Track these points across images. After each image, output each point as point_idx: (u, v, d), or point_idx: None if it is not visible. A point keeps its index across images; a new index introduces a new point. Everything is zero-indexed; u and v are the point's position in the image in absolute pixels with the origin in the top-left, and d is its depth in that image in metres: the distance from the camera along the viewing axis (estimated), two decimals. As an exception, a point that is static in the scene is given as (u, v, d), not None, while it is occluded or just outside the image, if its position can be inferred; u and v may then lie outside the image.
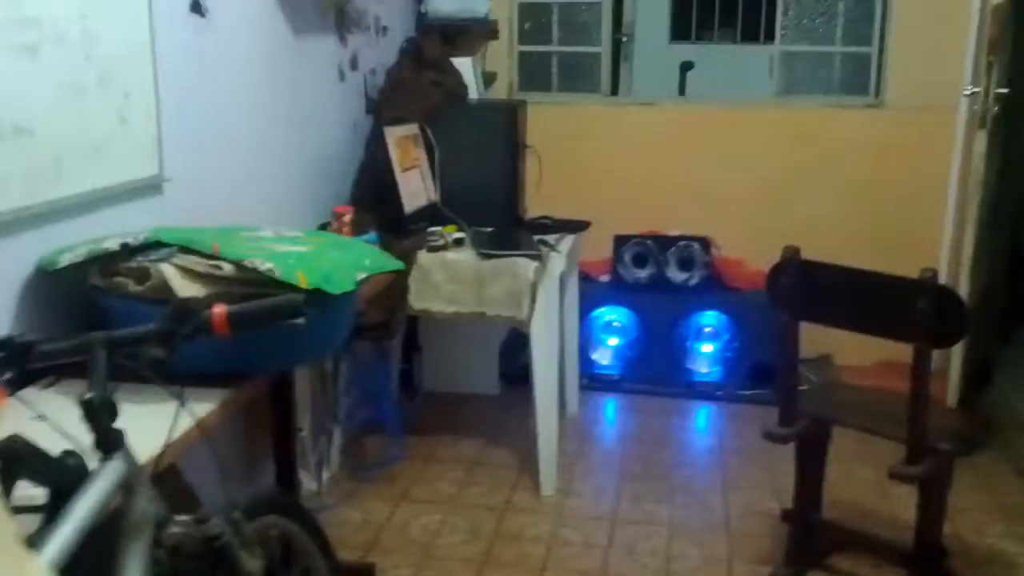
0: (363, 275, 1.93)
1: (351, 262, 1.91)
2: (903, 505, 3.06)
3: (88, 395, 1.25)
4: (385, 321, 3.04)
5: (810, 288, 2.40)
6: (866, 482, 3.27)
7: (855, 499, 3.16)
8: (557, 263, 3.23)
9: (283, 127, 2.93)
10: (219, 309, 1.29)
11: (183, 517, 1.41)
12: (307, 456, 2.99)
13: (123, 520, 1.30)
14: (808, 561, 2.75)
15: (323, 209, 3.13)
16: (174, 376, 1.31)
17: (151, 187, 2.19)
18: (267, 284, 1.66)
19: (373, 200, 3.19)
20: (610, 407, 4.10)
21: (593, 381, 4.21)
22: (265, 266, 1.68)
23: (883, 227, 4.25)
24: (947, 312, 2.19)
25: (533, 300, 2.99)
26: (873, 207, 4.30)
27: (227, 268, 1.69)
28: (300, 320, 1.31)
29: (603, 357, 4.31)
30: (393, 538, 2.91)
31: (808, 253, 2.45)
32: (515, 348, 4.27)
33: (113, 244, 1.74)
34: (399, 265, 2.28)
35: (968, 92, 3.62)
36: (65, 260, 1.74)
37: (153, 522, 1.34)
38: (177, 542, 1.39)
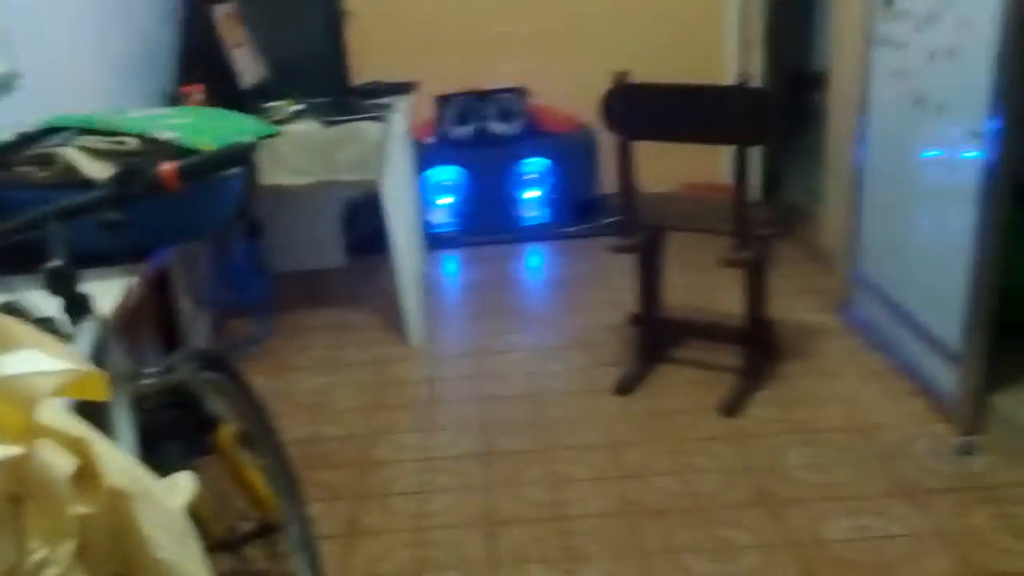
0: (251, 138, 2.03)
1: (236, 127, 2.01)
2: (724, 298, 3.51)
3: (52, 264, 1.35)
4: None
5: (641, 108, 2.68)
6: (690, 285, 3.71)
7: (685, 300, 3.58)
8: (400, 122, 3.38)
9: (103, 15, 2.89)
10: (168, 165, 1.39)
11: (150, 369, 1.53)
12: (186, 338, 3.07)
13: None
14: (657, 356, 3.15)
15: (156, 95, 3.13)
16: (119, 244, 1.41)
17: (3, 85, 2.17)
18: (172, 153, 1.75)
19: (205, 80, 3.19)
20: (453, 261, 4.35)
21: (432, 240, 4.43)
22: (166, 135, 1.76)
23: (674, 60, 4.59)
24: (762, 113, 2.52)
25: (381, 161, 3.14)
26: (664, 42, 4.63)
27: (131, 142, 1.76)
28: (247, 166, 1.43)
29: (438, 216, 4.53)
30: (282, 404, 3.07)
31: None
32: (355, 218, 4.42)
33: (8, 135, 1.76)
34: (277, 129, 2.37)
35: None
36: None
37: (130, 375, 1.47)
38: (148, 393, 1.51)
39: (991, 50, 2.37)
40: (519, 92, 4.41)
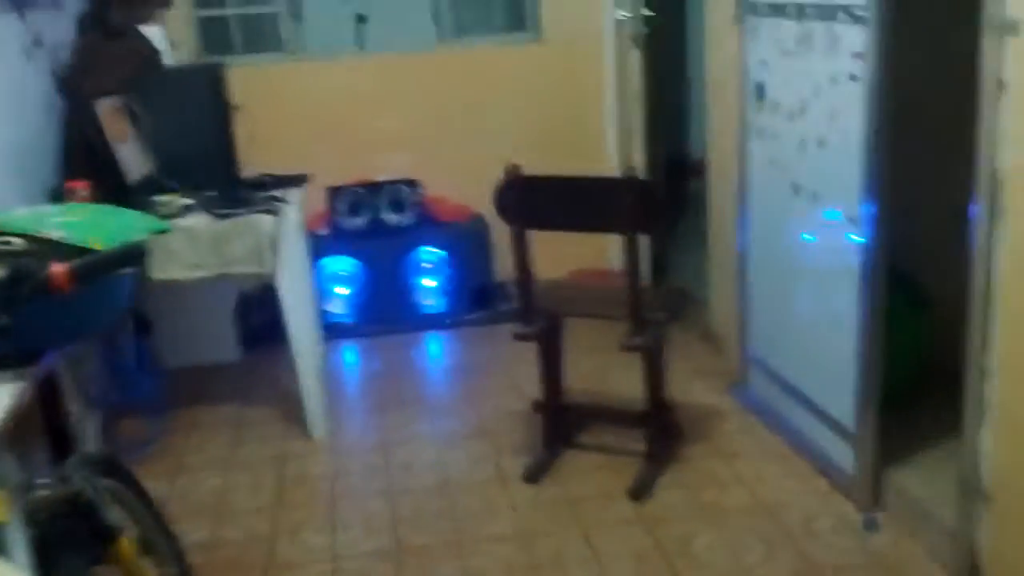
0: (143, 235, 1.97)
1: (128, 224, 1.95)
2: (623, 381, 3.55)
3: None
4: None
5: (533, 199, 2.73)
6: (590, 371, 3.74)
7: (586, 385, 3.61)
8: (293, 213, 3.35)
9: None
10: (59, 267, 1.34)
11: (43, 480, 1.45)
12: (76, 442, 2.91)
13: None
14: (563, 442, 3.15)
15: (40, 191, 3.03)
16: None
17: None
18: (62, 252, 1.68)
19: (90, 177, 3.11)
20: (352, 351, 4.29)
21: (329, 331, 4.35)
22: (57, 234, 1.70)
23: (559, 150, 4.69)
24: (648, 203, 2.61)
25: (275, 252, 3.10)
26: (549, 133, 4.74)
27: (17, 242, 1.68)
28: (142, 266, 1.38)
29: (335, 306, 4.47)
30: (180, 507, 2.93)
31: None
32: (249, 310, 4.32)
33: None
34: (167, 226, 2.32)
35: (621, 16, 4.19)
36: None
37: (23, 487, 1.38)
38: (42, 504, 1.43)
39: (859, 139, 2.52)
40: (411, 183, 4.45)
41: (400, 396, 3.72)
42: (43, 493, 1.43)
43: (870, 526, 2.60)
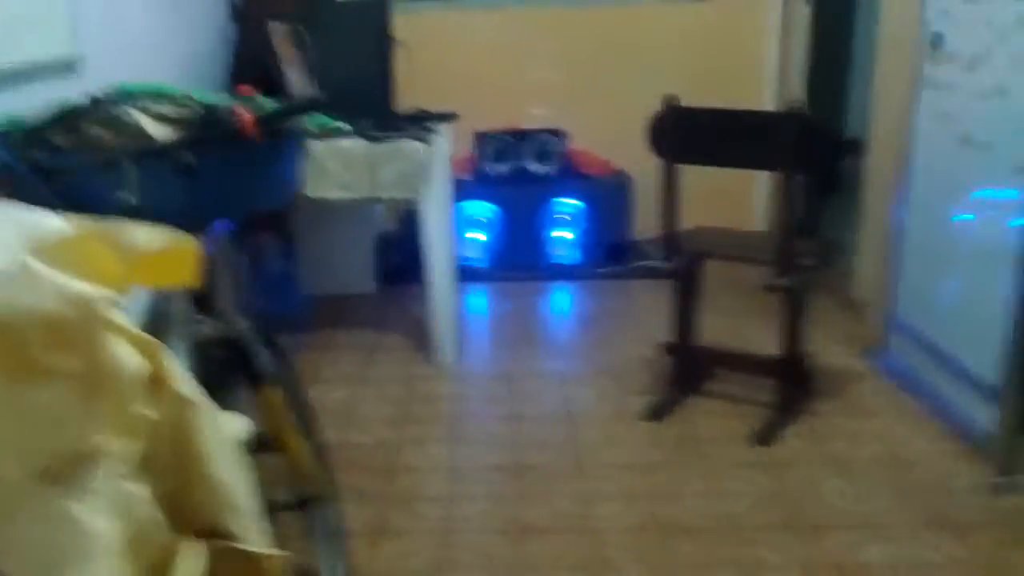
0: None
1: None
2: (757, 338, 3.50)
3: (125, 200, 1.36)
4: (279, 211, 3.15)
5: (689, 130, 2.70)
6: (724, 327, 3.69)
7: (719, 340, 3.56)
8: (443, 144, 3.42)
9: (170, 7, 3.01)
10: (247, 114, 1.42)
11: (208, 318, 1.54)
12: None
13: (164, 321, 1.43)
14: (690, 387, 3.13)
15: (213, 90, 3.21)
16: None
17: (66, 65, 2.23)
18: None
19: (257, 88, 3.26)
20: (483, 295, 4.36)
21: (463, 273, 4.42)
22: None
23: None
24: (811, 139, 2.54)
25: (424, 180, 3.18)
26: (705, 92, 4.68)
27: (200, 110, 1.78)
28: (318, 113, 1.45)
29: (471, 251, 4.55)
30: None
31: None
32: (387, 249, 4.45)
33: (82, 99, 1.79)
34: (336, 124, 2.40)
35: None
36: (27, 121, 1.78)
37: (190, 320, 1.47)
38: (205, 339, 1.52)
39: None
40: (557, 133, 4.47)
41: (528, 336, 3.76)
42: (205, 328, 1.52)
43: (1007, 489, 2.48)
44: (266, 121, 1.42)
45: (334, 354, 3.57)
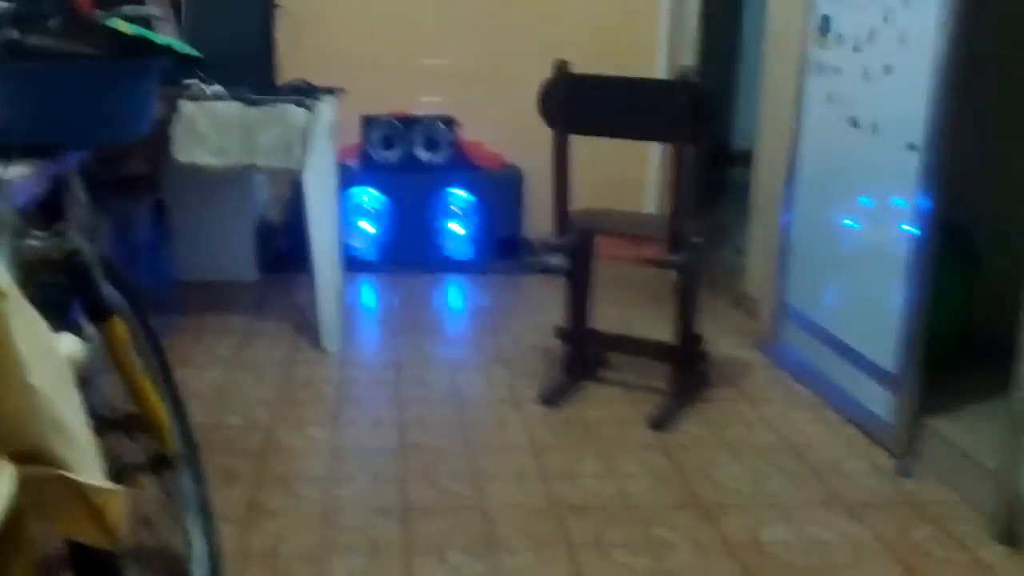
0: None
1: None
2: (651, 325, 3.43)
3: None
4: (147, 174, 2.91)
5: (580, 98, 2.60)
6: (612, 317, 3.61)
7: (612, 327, 3.47)
8: (326, 111, 3.24)
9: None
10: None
11: (39, 232, 1.33)
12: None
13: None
14: (583, 373, 3.01)
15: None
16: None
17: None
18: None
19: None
20: (371, 285, 4.17)
21: (350, 264, 4.23)
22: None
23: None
24: (701, 106, 2.47)
25: (306, 148, 2.99)
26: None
27: None
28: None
29: (358, 240, 4.36)
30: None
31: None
32: (269, 237, 4.23)
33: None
34: (195, 53, 2.19)
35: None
36: None
37: (11, 226, 1.26)
38: (33, 256, 1.31)
39: (929, 66, 2.39)
40: (448, 121, 4.33)
41: (416, 326, 3.59)
42: (35, 243, 1.31)
43: (904, 471, 2.45)
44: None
45: (208, 337, 3.32)
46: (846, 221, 2.86)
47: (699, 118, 2.47)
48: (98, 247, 1.56)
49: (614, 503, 2.24)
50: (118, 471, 1.49)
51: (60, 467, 0.96)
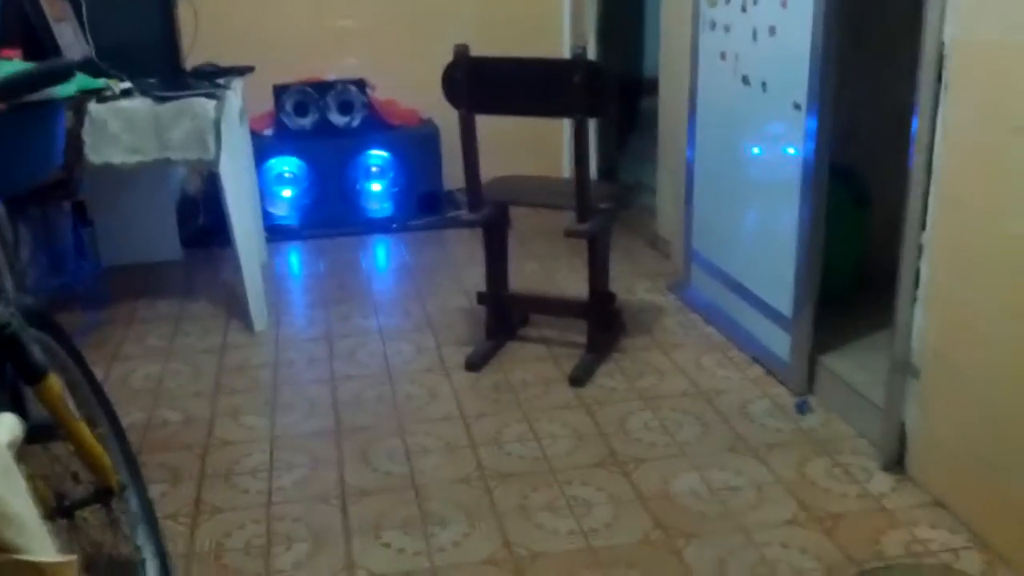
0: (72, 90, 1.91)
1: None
2: (568, 281, 3.59)
3: None
4: (64, 179, 2.94)
5: (481, 80, 2.69)
6: (533, 272, 3.76)
7: (531, 285, 3.62)
8: (234, 100, 3.27)
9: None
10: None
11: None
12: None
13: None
14: (505, 334, 3.16)
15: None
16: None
17: None
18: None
19: (25, 57, 3.00)
20: (295, 253, 4.25)
21: (273, 233, 4.30)
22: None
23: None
24: (598, 83, 2.58)
25: (218, 139, 3.03)
26: (504, 36, 4.68)
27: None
28: (71, 80, 1.34)
29: (279, 209, 4.41)
30: (117, 392, 2.88)
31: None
32: (190, 211, 4.26)
33: None
34: (100, 83, 2.24)
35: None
36: None
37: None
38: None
39: (809, 25, 2.52)
40: (359, 83, 4.37)
41: (344, 294, 3.70)
42: (-39, 321, 1.39)
43: (803, 408, 2.66)
44: (5, 89, 1.30)
45: (138, 328, 3.39)
46: (741, 170, 3.02)
47: (597, 95, 2.58)
48: (27, 300, 1.64)
49: (538, 467, 2.42)
50: (67, 509, 1.62)
51: (13, 551, 1.08)
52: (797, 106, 2.63)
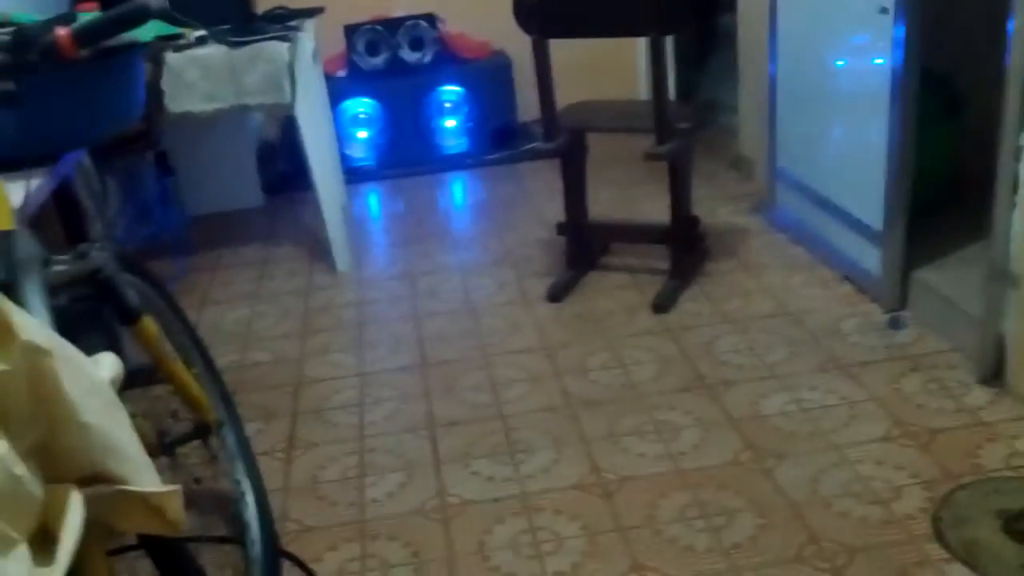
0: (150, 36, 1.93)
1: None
2: (649, 208, 3.54)
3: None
4: (145, 130, 3.00)
5: (553, 4, 2.63)
6: (612, 199, 3.71)
7: (611, 212, 3.58)
8: (307, 42, 3.28)
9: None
10: (62, 30, 1.31)
11: (61, 256, 1.45)
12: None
13: (9, 267, 1.34)
14: (586, 264, 3.14)
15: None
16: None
17: None
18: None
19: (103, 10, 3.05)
20: (374, 194, 4.27)
21: (351, 175, 4.33)
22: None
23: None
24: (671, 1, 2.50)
25: (293, 82, 3.04)
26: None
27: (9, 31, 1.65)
28: (147, 25, 1.35)
29: (356, 150, 4.43)
30: (208, 336, 2.93)
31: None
32: (270, 158, 4.31)
33: None
34: (178, 29, 2.26)
35: None
36: None
37: (38, 259, 1.38)
38: (61, 280, 1.43)
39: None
40: (429, 18, 4.33)
41: (423, 232, 3.72)
42: (61, 268, 1.43)
43: (895, 324, 2.59)
44: (83, 35, 1.31)
45: (225, 273, 3.47)
46: (827, 82, 2.90)
47: (673, 12, 2.50)
48: (119, 247, 1.69)
49: (623, 393, 2.41)
50: (168, 446, 1.68)
51: (120, 482, 1.12)
52: (884, 10, 2.51)
